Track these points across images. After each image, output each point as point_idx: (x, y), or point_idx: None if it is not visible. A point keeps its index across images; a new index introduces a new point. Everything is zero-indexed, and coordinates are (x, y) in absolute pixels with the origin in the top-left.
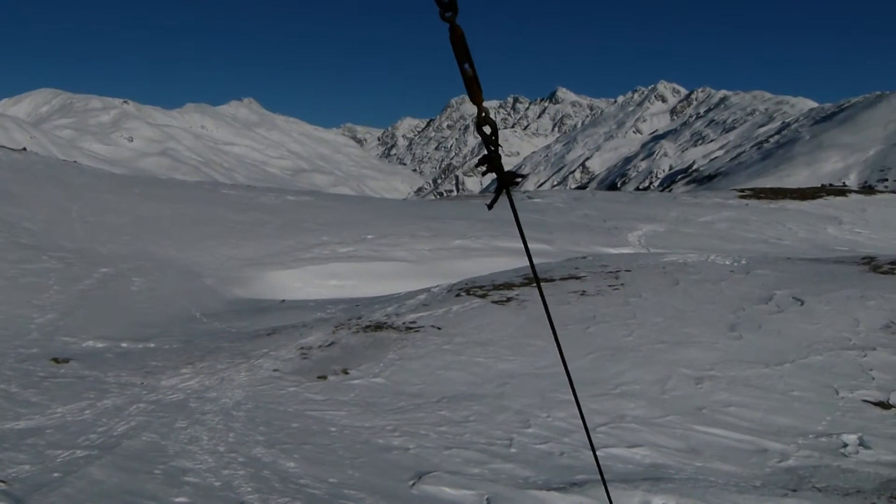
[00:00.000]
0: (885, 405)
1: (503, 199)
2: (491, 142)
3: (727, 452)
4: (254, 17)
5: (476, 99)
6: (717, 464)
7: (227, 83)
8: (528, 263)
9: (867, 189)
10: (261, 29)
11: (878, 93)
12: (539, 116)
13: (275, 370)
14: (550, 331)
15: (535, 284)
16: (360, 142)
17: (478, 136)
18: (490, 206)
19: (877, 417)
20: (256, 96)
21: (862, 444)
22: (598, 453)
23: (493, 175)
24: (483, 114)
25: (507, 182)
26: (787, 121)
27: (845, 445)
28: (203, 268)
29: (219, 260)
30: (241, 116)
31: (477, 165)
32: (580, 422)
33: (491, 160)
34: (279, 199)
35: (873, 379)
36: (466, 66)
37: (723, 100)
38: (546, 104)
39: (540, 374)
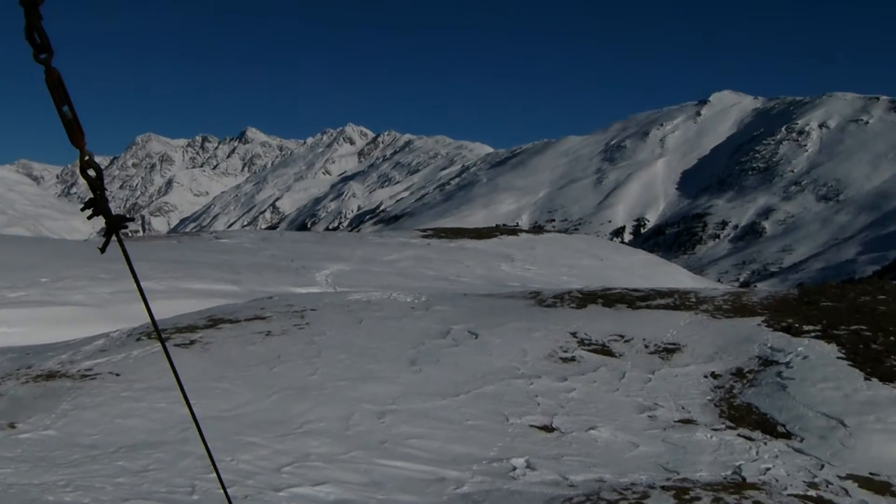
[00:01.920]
0: (548, 429)
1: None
2: (97, 185)
3: (408, 483)
4: None
5: (77, 142)
6: (398, 495)
7: None
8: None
9: (537, 228)
10: None
11: (546, 140)
12: (229, 156)
13: None
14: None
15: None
16: (36, 179)
17: (163, 174)
18: (102, 250)
19: (541, 440)
20: None
21: (529, 466)
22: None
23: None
24: (86, 157)
25: (115, 225)
26: (466, 164)
27: (514, 469)
28: None
29: None
30: None
31: (83, 209)
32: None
33: (97, 204)
34: None
35: (538, 405)
36: (66, 108)
37: (408, 143)
38: (236, 144)
39: (224, 417)
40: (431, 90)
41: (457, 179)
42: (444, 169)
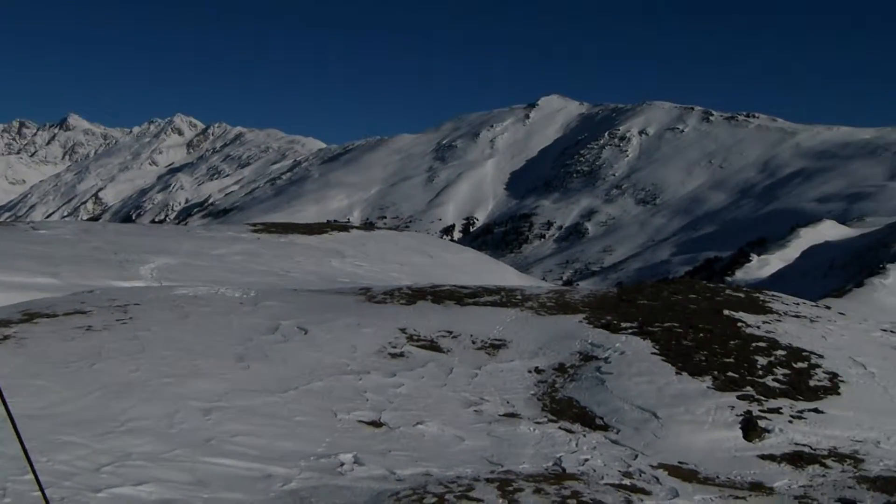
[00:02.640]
0: (376, 424)
1: None
2: None
3: (234, 481)
4: None
5: None
6: (224, 493)
7: None
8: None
9: (368, 225)
10: None
11: (379, 137)
12: (48, 143)
13: None
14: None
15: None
16: None
17: None
18: None
19: (369, 436)
20: None
21: (357, 461)
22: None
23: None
24: None
25: None
26: (298, 159)
27: (342, 464)
28: None
29: None
30: None
31: None
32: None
33: None
34: None
35: (367, 400)
36: None
37: (238, 136)
38: (56, 130)
39: (40, 416)
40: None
41: (288, 174)
42: (275, 163)
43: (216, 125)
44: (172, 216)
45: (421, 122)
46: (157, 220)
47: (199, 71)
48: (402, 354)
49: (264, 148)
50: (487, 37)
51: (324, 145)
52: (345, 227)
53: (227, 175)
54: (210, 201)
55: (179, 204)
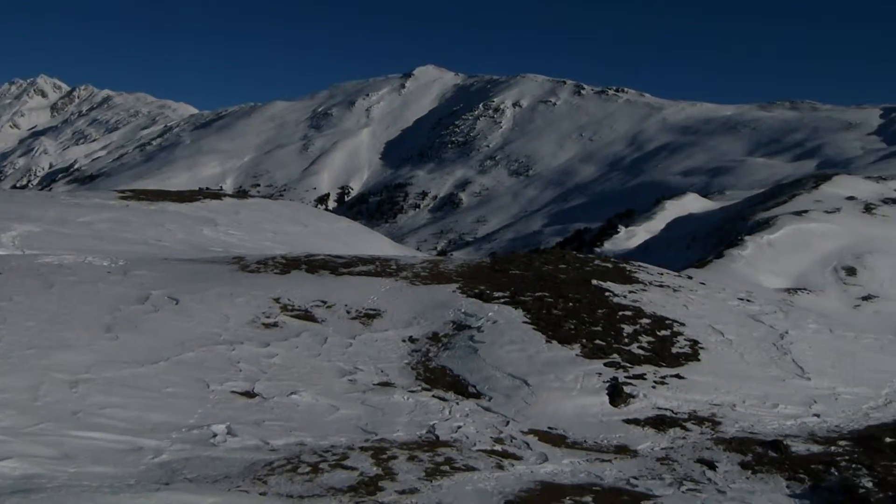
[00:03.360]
0: (250, 394)
1: None
2: None
3: (103, 454)
4: None
5: None
6: (91, 467)
7: None
8: None
9: (241, 193)
10: None
11: (253, 104)
12: None
13: None
14: None
15: None
16: None
17: None
18: None
19: (243, 406)
20: None
21: (230, 432)
22: None
23: None
24: None
25: None
26: (169, 125)
27: (215, 435)
28: None
29: None
30: None
31: None
32: None
33: None
34: None
35: (241, 371)
36: None
37: (106, 99)
38: None
39: None
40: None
41: (158, 140)
42: (145, 128)
43: (82, 87)
44: (35, 182)
45: (296, 89)
46: (18, 185)
47: (64, 31)
48: (275, 324)
49: (133, 112)
50: (363, 4)
51: (196, 111)
52: (217, 194)
53: (94, 140)
54: (76, 167)
55: (43, 169)
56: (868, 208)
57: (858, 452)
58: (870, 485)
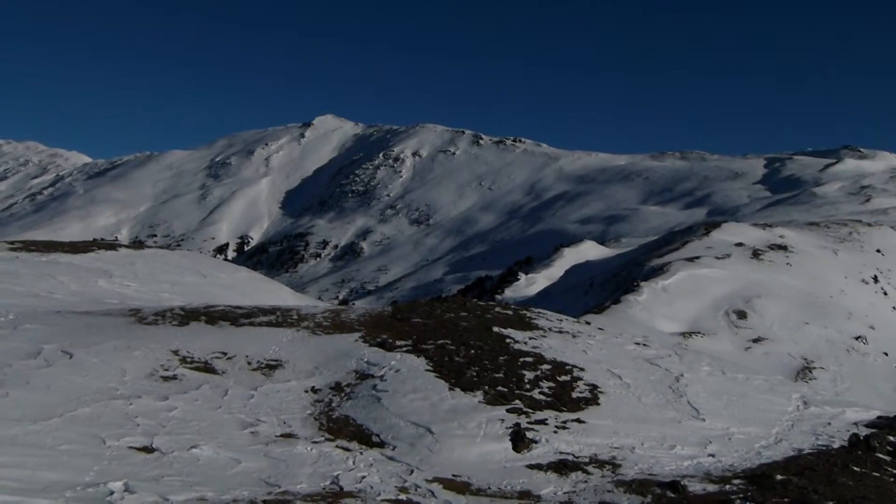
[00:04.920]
0: (148, 449)
1: None
2: None
3: None
4: None
5: None
6: None
7: None
8: None
9: (138, 244)
10: None
11: (148, 153)
12: None
13: None
14: None
15: None
16: None
17: None
18: None
19: (141, 462)
20: None
21: (127, 489)
22: None
23: None
24: None
25: None
26: (61, 174)
27: (112, 493)
28: None
29: None
30: None
31: None
32: None
33: None
34: None
35: (138, 425)
36: None
37: None
38: None
39: None
40: (23, 92)
41: (50, 189)
42: (35, 177)
43: None
44: None
45: (193, 138)
46: None
47: None
48: (174, 377)
49: (23, 161)
50: (262, 54)
51: (89, 160)
52: (112, 245)
53: None
54: None
55: None
56: (756, 254)
57: (752, 490)
58: None
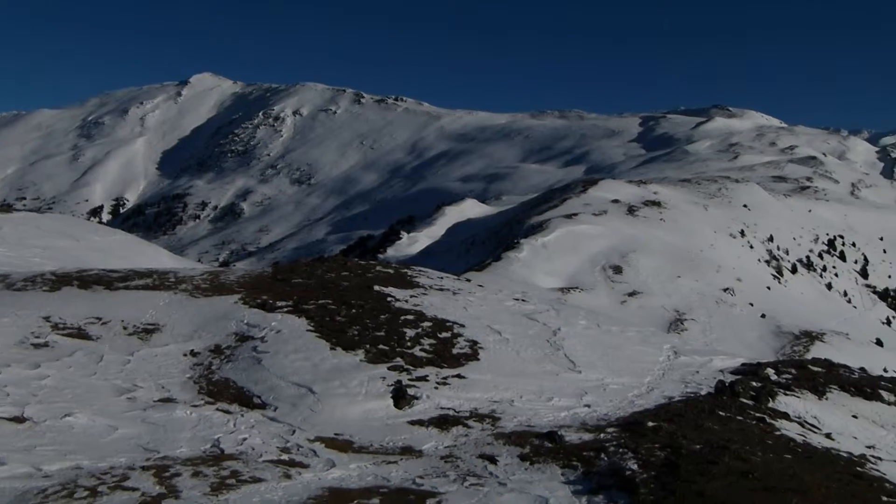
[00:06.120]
0: (19, 419)
1: None
2: None
3: None
4: None
5: None
6: None
7: None
8: None
9: (5, 207)
10: None
11: (16, 112)
12: None
13: None
14: None
15: None
16: None
17: None
18: None
19: (11, 433)
20: None
21: None
22: None
23: None
24: None
25: None
26: None
27: None
28: None
29: None
30: None
31: None
32: None
33: None
34: None
35: (8, 395)
36: None
37: None
38: None
39: None
40: None
41: None
42: None
43: None
44: None
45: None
46: None
47: None
48: (46, 344)
49: None
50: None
51: None
52: None
53: None
54: None
55: None
56: (631, 210)
57: (625, 438)
58: (635, 466)
